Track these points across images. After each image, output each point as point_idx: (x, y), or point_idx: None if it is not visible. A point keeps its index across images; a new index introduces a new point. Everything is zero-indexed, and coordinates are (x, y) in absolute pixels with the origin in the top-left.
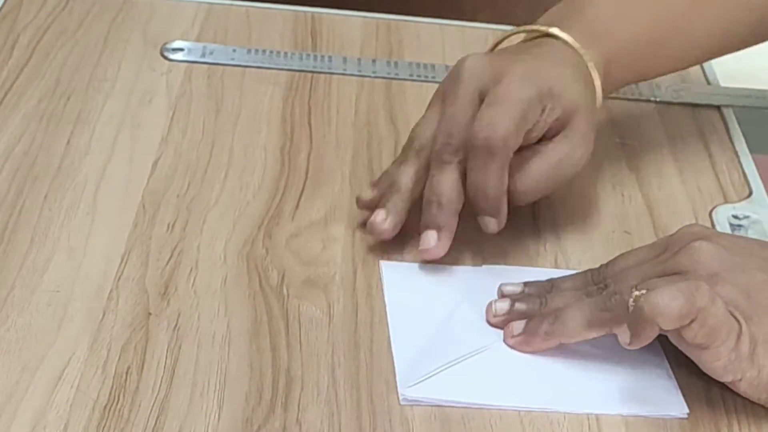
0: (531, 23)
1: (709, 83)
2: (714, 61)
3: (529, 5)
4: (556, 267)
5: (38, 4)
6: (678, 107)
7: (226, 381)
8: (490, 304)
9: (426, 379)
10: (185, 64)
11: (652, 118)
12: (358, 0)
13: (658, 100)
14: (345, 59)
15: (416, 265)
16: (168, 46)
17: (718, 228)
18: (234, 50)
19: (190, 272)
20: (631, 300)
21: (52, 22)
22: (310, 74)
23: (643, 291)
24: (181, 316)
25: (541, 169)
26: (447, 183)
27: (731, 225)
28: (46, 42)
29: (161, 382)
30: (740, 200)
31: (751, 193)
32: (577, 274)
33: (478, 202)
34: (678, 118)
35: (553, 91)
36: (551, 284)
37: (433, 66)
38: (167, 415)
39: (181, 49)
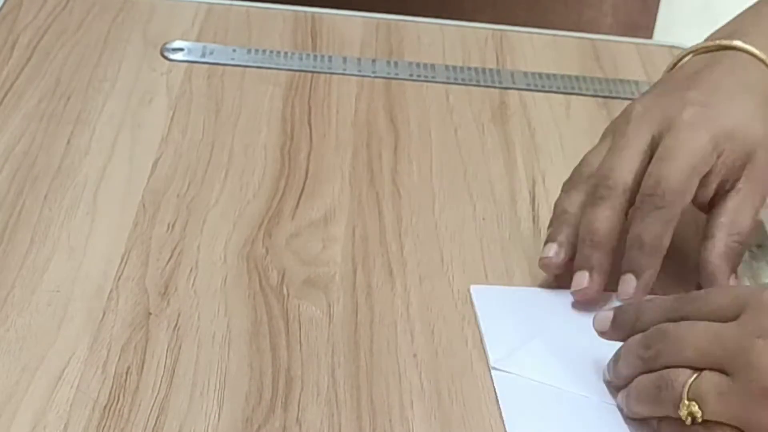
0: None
1: None
2: None
3: (529, 5)
4: None
5: (38, 4)
6: None
7: (226, 381)
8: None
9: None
10: (185, 64)
11: None
12: (358, 0)
13: None
14: (345, 59)
15: (507, 288)
16: (168, 46)
17: None
18: (234, 50)
19: (190, 272)
20: (683, 412)
21: (52, 22)
22: (310, 74)
23: (694, 407)
24: (181, 316)
25: (747, 221)
26: (601, 220)
27: None
28: (46, 42)
29: (161, 382)
30: None
31: None
32: (662, 301)
33: (631, 252)
34: None
35: (731, 130)
36: (637, 313)
37: (433, 66)
38: (167, 415)
39: (181, 49)
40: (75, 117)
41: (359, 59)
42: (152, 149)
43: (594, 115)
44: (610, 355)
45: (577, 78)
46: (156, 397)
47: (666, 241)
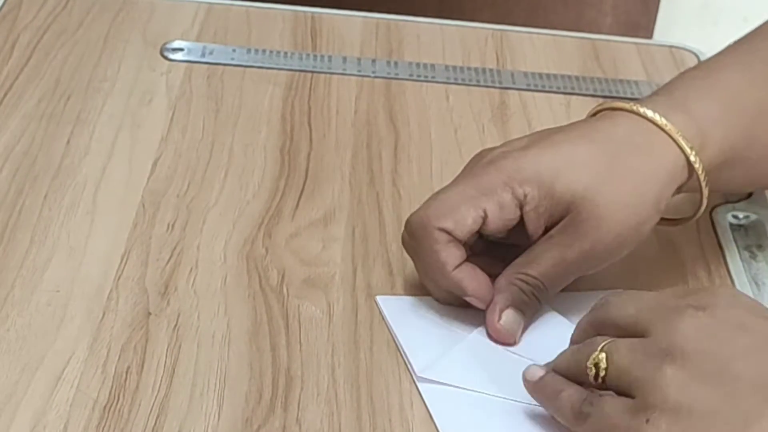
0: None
1: None
2: None
3: (529, 5)
4: None
5: (38, 4)
6: None
7: (226, 381)
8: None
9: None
10: (185, 64)
11: None
12: (358, 0)
13: None
14: (345, 59)
15: (413, 297)
16: (168, 46)
17: (719, 228)
18: (234, 50)
19: (190, 272)
20: (590, 361)
21: (52, 22)
22: (310, 74)
23: (602, 357)
24: (181, 316)
25: (540, 267)
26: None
27: (731, 225)
28: (46, 42)
29: (161, 382)
30: (740, 200)
31: (751, 193)
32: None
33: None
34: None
35: (537, 177)
36: None
37: (433, 66)
38: (167, 415)
39: (181, 49)
40: (75, 117)
41: (359, 59)
42: (152, 149)
43: None
44: (530, 357)
45: (577, 78)
46: (156, 397)
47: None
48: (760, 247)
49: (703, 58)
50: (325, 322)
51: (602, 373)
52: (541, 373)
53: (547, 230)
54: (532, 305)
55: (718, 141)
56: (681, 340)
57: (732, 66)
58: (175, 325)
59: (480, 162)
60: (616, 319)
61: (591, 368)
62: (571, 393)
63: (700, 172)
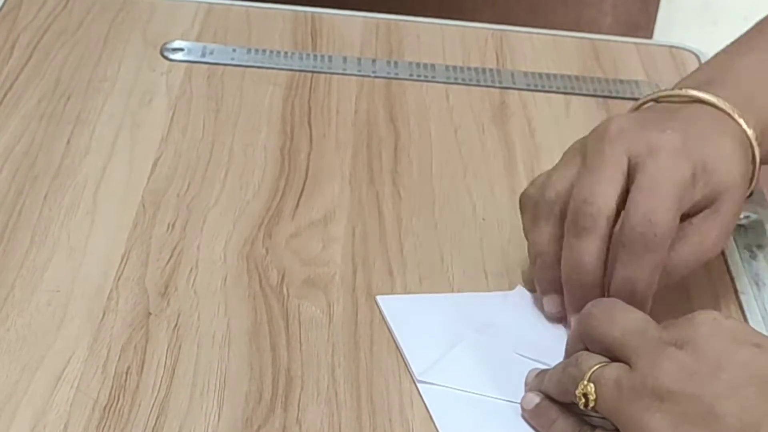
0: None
1: None
2: None
3: (529, 5)
4: None
5: (38, 4)
6: None
7: (226, 381)
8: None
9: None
10: (185, 64)
11: None
12: (358, 0)
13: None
14: (345, 59)
15: (413, 296)
16: (168, 46)
17: None
18: (234, 50)
19: (190, 272)
20: (579, 390)
21: (52, 22)
22: (310, 74)
23: (590, 388)
24: (181, 316)
25: (681, 252)
26: (589, 255)
27: None
28: (46, 42)
29: (161, 382)
30: None
31: (751, 193)
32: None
33: (622, 298)
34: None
35: (708, 166)
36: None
37: (433, 66)
38: (167, 415)
39: (181, 49)
40: (75, 117)
41: (359, 59)
42: (152, 149)
43: (594, 115)
44: (528, 356)
45: (577, 78)
46: (156, 397)
47: (655, 287)
48: (760, 247)
49: (703, 58)
50: (325, 322)
51: (591, 404)
52: (536, 400)
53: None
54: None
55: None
56: (665, 381)
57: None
58: (175, 325)
59: (659, 156)
60: (601, 339)
61: (580, 398)
62: (563, 425)
63: (758, 158)
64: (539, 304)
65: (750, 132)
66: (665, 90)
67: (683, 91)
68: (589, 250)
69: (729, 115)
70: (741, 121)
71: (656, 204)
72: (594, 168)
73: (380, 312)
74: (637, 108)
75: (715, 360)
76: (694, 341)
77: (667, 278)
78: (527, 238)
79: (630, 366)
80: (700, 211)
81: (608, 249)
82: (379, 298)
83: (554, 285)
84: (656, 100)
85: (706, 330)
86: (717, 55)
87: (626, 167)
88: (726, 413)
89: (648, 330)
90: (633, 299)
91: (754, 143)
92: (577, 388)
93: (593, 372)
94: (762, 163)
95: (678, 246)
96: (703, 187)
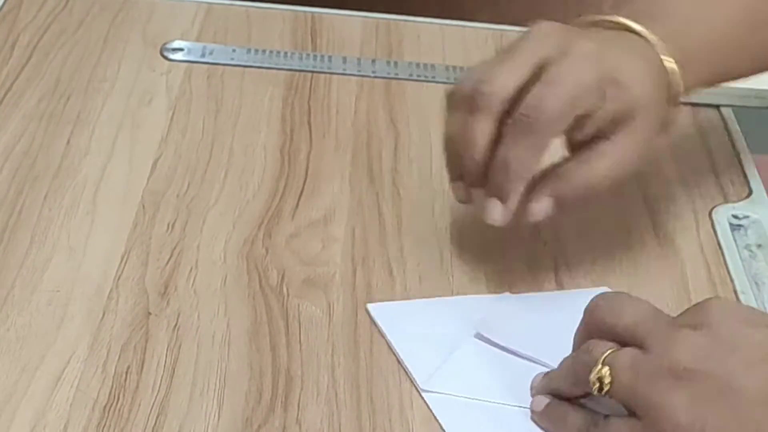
0: (592, 15)
1: None
2: None
3: (529, 5)
4: (555, 269)
5: (38, 4)
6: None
7: (226, 381)
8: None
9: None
10: (185, 64)
11: None
12: (358, 0)
13: None
14: (345, 59)
15: (405, 302)
16: (168, 46)
17: (718, 228)
18: (234, 50)
19: (190, 272)
20: (593, 375)
21: (52, 22)
22: (310, 74)
23: (605, 371)
24: (181, 315)
25: (598, 167)
26: (479, 132)
27: (731, 225)
28: (46, 42)
29: (161, 382)
30: (740, 200)
31: (751, 193)
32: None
33: (495, 175)
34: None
35: (619, 79)
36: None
37: (433, 66)
38: (167, 415)
39: (181, 49)
40: (75, 117)
41: (359, 59)
42: (152, 149)
43: None
44: (529, 356)
45: None
46: (156, 397)
47: (533, 168)
48: (760, 246)
49: None
50: (325, 322)
51: (606, 388)
52: (546, 401)
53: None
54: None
55: (697, 71)
56: (681, 360)
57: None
58: (175, 325)
59: (568, 57)
60: (612, 327)
61: (595, 382)
62: (576, 418)
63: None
64: (530, 306)
65: (671, 67)
66: (601, 15)
67: (615, 18)
68: (479, 126)
69: (649, 42)
70: (664, 57)
71: (548, 94)
72: (504, 58)
73: (372, 320)
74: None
75: (730, 340)
76: (708, 324)
77: (588, 191)
78: (445, 127)
79: (644, 349)
80: (616, 127)
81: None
82: (370, 306)
83: (459, 171)
84: (592, 23)
85: (718, 313)
86: None
87: (536, 63)
88: (744, 386)
89: (659, 316)
90: (506, 179)
91: (671, 75)
92: (591, 373)
93: (606, 356)
94: (687, 90)
95: (595, 161)
96: (614, 101)
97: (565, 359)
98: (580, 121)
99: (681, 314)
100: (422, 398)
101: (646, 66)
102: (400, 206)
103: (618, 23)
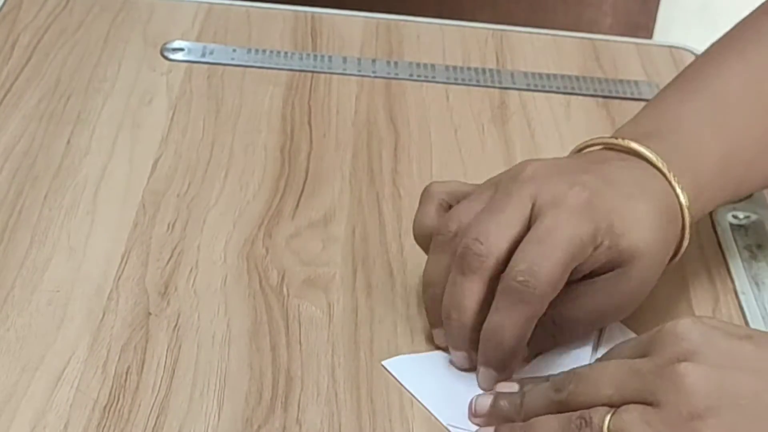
0: (613, 136)
1: None
2: None
3: (529, 5)
4: None
5: (38, 4)
6: None
7: (226, 381)
8: (472, 400)
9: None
10: (185, 64)
11: None
12: (358, 0)
13: None
14: (345, 59)
15: (420, 355)
16: (168, 46)
17: (718, 229)
18: (234, 50)
19: (190, 272)
20: None
21: (52, 22)
22: (310, 74)
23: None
24: (181, 316)
25: (578, 310)
26: (469, 296)
27: (731, 225)
28: (46, 42)
29: (161, 382)
30: (740, 200)
31: (751, 193)
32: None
33: (488, 348)
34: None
35: (615, 228)
36: (544, 380)
37: (433, 66)
38: (167, 415)
39: (181, 49)
40: (75, 117)
41: (359, 59)
42: (152, 149)
43: (594, 115)
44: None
45: (577, 78)
46: (156, 397)
47: (527, 338)
48: (760, 247)
49: None
50: (325, 322)
51: None
52: None
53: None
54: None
55: (710, 198)
56: (698, 400)
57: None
58: (175, 325)
59: (560, 208)
60: (599, 402)
61: None
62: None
63: (688, 223)
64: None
65: (682, 196)
66: (607, 137)
67: (624, 142)
68: (471, 289)
69: (664, 176)
70: (675, 183)
71: (543, 257)
72: (495, 208)
73: (390, 374)
74: (579, 150)
75: (730, 360)
76: (696, 351)
77: (563, 336)
78: (425, 270)
79: (648, 404)
80: (609, 271)
81: (494, 292)
82: (386, 363)
83: (440, 319)
84: (604, 145)
85: (697, 336)
86: (665, 93)
87: (528, 214)
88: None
89: (635, 365)
90: (500, 347)
91: (685, 208)
92: None
93: (610, 419)
94: (699, 214)
95: (578, 303)
96: (608, 250)
97: (543, 422)
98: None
99: (654, 351)
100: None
101: (648, 207)
102: (400, 206)
103: (629, 149)
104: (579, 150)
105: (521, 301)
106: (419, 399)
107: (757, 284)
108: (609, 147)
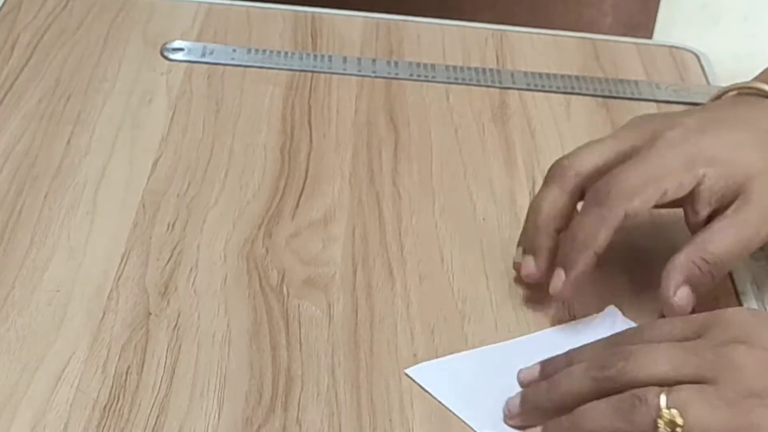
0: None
1: (708, 83)
2: (713, 61)
3: (529, 5)
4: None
5: (38, 4)
6: (678, 107)
7: (226, 381)
8: (506, 402)
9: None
10: (185, 64)
11: None
12: (358, 0)
13: (658, 99)
14: (345, 59)
15: (443, 359)
16: (168, 46)
17: None
18: (234, 50)
19: (190, 272)
20: (660, 422)
21: (52, 22)
22: (310, 74)
23: (674, 413)
24: (181, 315)
25: (720, 244)
26: (546, 201)
27: None
28: (46, 42)
29: (161, 382)
30: None
31: None
32: (595, 343)
33: (564, 247)
34: None
35: (718, 156)
36: (568, 359)
37: (433, 66)
38: (167, 415)
39: (181, 49)
40: (75, 117)
41: (359, 59)
42: (152, 149)
43: (594, 115)
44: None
45: (577, 78)
46: (156, 397)
47: (600, 241)
48: (760, 247)
49: (703, 58)
50: (325, 322)
51: (679, 430)
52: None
53: (713, 210)
54: (706, 284)
55: None
56: (756, 379)
57: None
58: (175, 325)
59: (656, 143)
60: (649, 381)
61: (664, 429)
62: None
63: None
64: (564, 342)
65: None
66: (740, 83)
67: (753, 83)
68: (548, 196)
69: None
70: None
71: (625, 170)
72: (594, 142)
73: (416, 383)
74: (718, 97)
75: None
76: (747, 335)
77: (715, 270)
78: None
79: (705, 383)
80: (730, 203)
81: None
82: (409, 371)
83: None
84: (738, 90)
85: (751, 323)
86: None
87: (623, 150)
88: None
89: (690, 345)
90: (572, 248)
91: None
92: (659, 420)
93: (668, 397)
94: None
95: (717, 238)
96: (716, 179)
97: (592, 406)
98: (693, 207)
99: (708, 333)
100: (423, 398)
101: (754, 135)
102: (400, 206)
103: (752, 88)
104: (719, 96)
105: (598, 203)
106: (449, 407)
107: (757, 284)
108: (742, 90)
